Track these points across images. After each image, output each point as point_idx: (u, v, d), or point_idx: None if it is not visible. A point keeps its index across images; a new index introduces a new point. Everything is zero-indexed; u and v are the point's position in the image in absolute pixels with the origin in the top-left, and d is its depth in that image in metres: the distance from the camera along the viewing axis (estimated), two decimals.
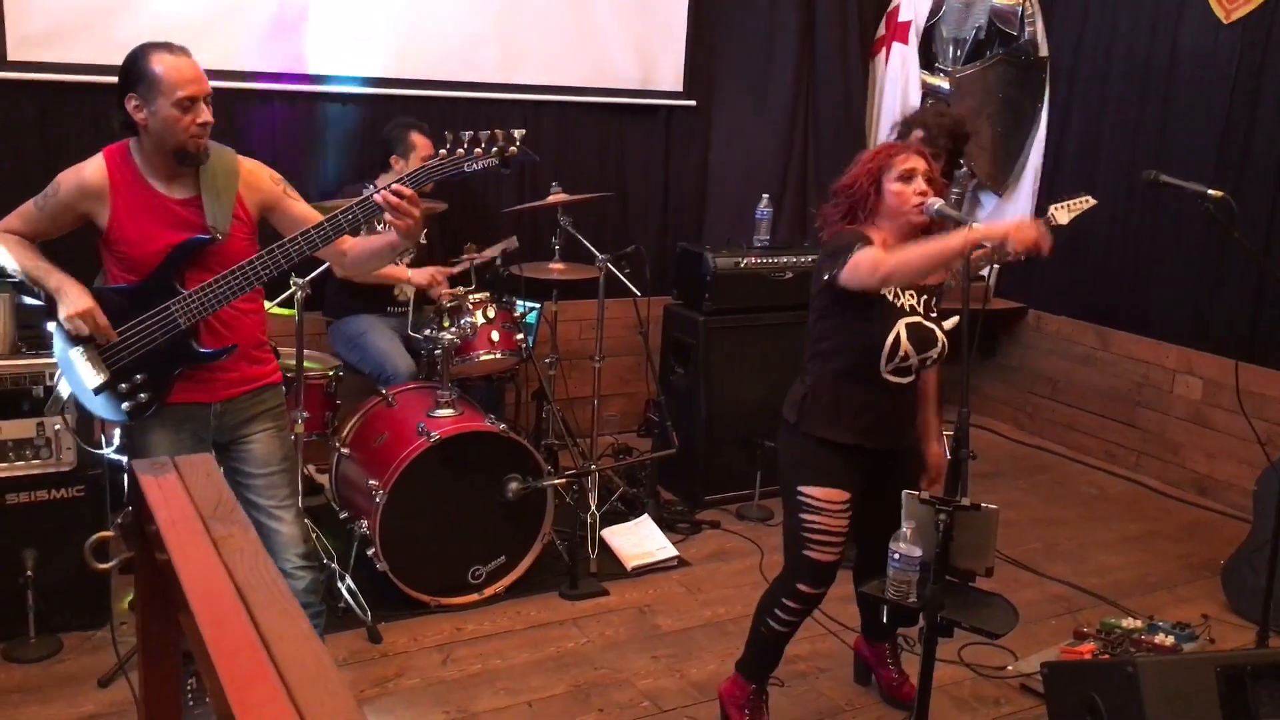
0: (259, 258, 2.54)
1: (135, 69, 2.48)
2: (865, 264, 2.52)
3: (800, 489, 2.73)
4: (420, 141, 4.04)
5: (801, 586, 2.74)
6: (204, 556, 0.94)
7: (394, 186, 2.51)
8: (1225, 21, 4.70)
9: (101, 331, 2.49)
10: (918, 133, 3.38)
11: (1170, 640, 3.20)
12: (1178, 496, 4.92)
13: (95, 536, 1.13)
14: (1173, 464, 5.03)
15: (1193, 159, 4.74)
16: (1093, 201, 3.49)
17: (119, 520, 1.13)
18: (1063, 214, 3.45)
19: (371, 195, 2.52)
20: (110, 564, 1.09)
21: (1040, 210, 3.69)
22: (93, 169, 2.54)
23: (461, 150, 2.55)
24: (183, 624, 0.90)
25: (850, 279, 2.55)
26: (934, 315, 2.75)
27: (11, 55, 3.79)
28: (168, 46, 2.50)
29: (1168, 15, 4.95)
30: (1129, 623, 3.32)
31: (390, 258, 2.88)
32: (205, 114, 2.51)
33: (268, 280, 2.59)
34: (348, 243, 2.77)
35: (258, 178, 2.70)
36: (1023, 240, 2.37)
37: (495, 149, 2.56)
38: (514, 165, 2.62)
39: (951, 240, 2.42)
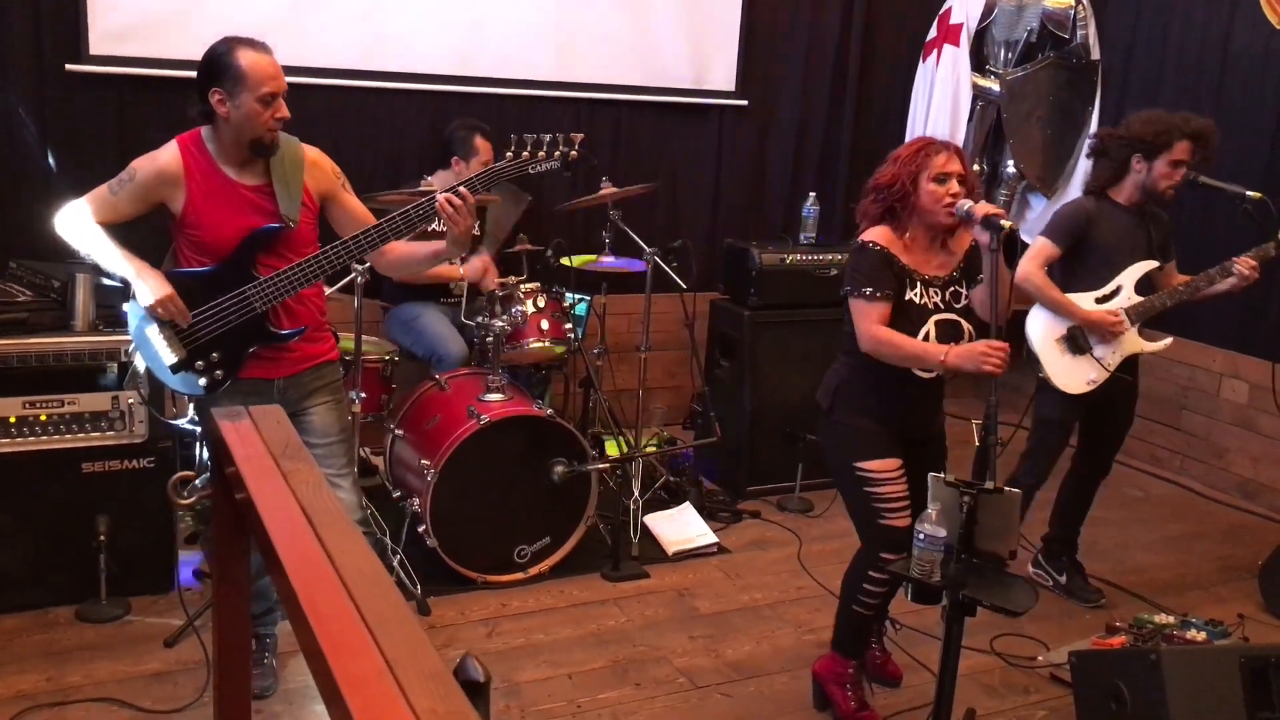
0: (332, 250, 2.69)
1: (221, 63, 2.60)
2: (866, 331, 2.73)
3: (856, 465, 2.82)
4: (483, 146, 4.18)
5: (885, 555, 2.79)
6: (276, 486, 1.07)
7: (459, 189, 2.66)
8: (1278, 27, 4.69)
9: (179, 317, 2.64)
10: (1183, 143, 3.47)
11: (1202, 636, 3.23)
12: (1221, 500, 4.92)
13: (177, 475, 1.26)
14: (1217, 468, 5.02)
15: (1244, 163, 4.72)
16: None
17: (198, 477, 1.27)
18: None
19: (433, 197, 2.66)
20: (191, 499, 1.22)
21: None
22: (168, 156, 2.67)
23: (526, 153, 2.71)
24: (258, 544, 1.03)
25: (854, 326, 2.77)
26: (959, 306, 2.84)
27: (93, 49, 4.00)
28: (251, 42, 2.62)
29: (1220, 21, 4.95)
30: (1161, 618, 3.36)
31: (430, 265, 2.98)
32: (283, 109, 2.65)
33: (336, 270, 2.75)
34: (391, 243, 2.89)
35: (321, 169, 2.84)
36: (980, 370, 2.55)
37: (557, 152, 2.72)
38: (575, 167, 2.77)
39: (931, 357, 2.69)
